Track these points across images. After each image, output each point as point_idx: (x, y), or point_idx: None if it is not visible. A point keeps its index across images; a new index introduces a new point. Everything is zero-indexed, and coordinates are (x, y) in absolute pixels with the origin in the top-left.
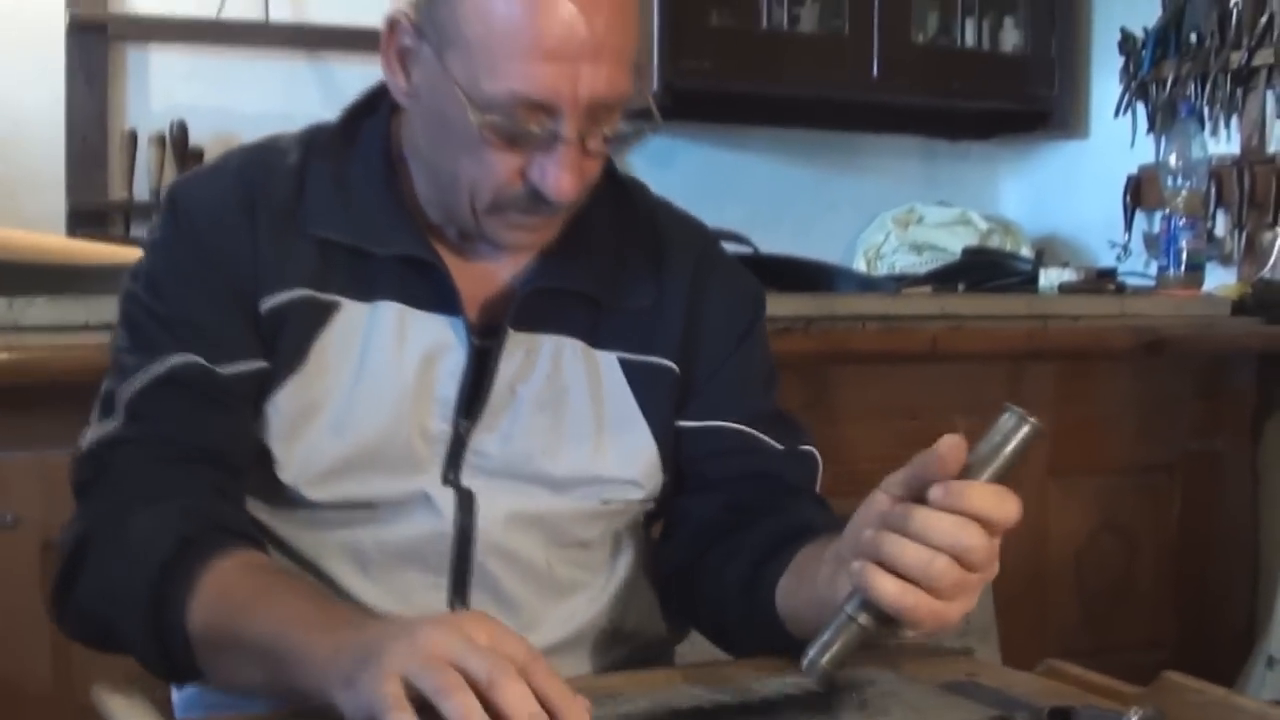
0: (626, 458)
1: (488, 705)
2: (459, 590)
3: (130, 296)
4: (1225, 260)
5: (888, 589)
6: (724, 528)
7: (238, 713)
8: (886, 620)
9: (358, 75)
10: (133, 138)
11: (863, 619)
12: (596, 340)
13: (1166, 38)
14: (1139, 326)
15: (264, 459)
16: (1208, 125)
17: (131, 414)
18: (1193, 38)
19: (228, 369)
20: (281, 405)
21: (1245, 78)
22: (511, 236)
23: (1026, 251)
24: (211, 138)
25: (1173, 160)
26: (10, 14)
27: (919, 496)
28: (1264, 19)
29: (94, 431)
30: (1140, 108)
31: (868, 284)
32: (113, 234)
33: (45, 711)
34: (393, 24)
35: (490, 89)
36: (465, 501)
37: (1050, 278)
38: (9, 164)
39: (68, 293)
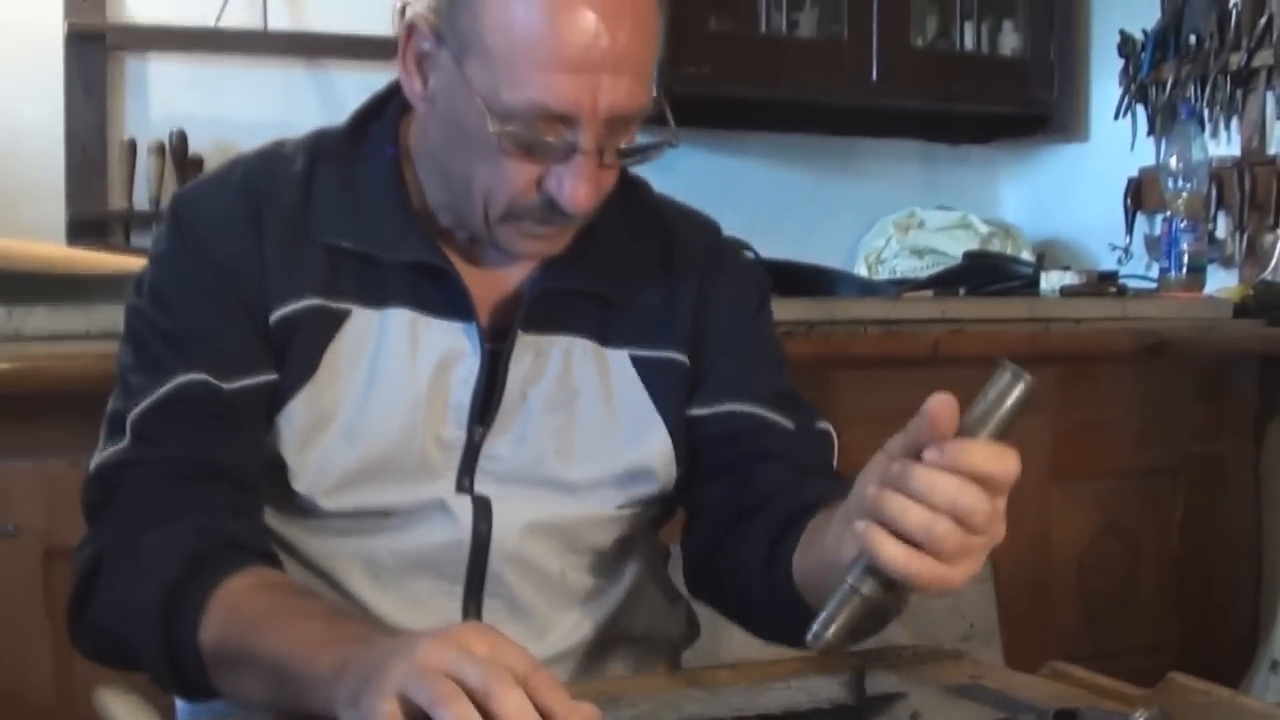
0: (641, 453)
1: (486, 715)
2: (473, 598)
3: (135, 311)
4: (1227, 262)
5: (892, 553)
6: (740, 511)
7: (242, 717)
8: (890, 585)
9: (357, 83)
10: (132, 147)
11: (866, 588)
12: (607, 339)
13: (1166, 40)
14: (1140, 329)
15: (278, 469)
16: (1208, 127)
17: (138, 435)
18: (1192, 39)
19: (235, 384)
20: (294, 415)
21: (1245, 79)
22: (524, 245)
23: (1027, 255)
24: (211, 146)
25: (1173, 162)
26: (9, 25)
27: (918, 458)
28: (1263, 20)
29: (102, 453)
30: (1140, 110)
31: (868, 288)
32: (113, 243)
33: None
34: (411, 27)
35: (510, 99)
36: (481, 509)
37: (1051, 281)
38: (8, 174)
39: (68, 302)
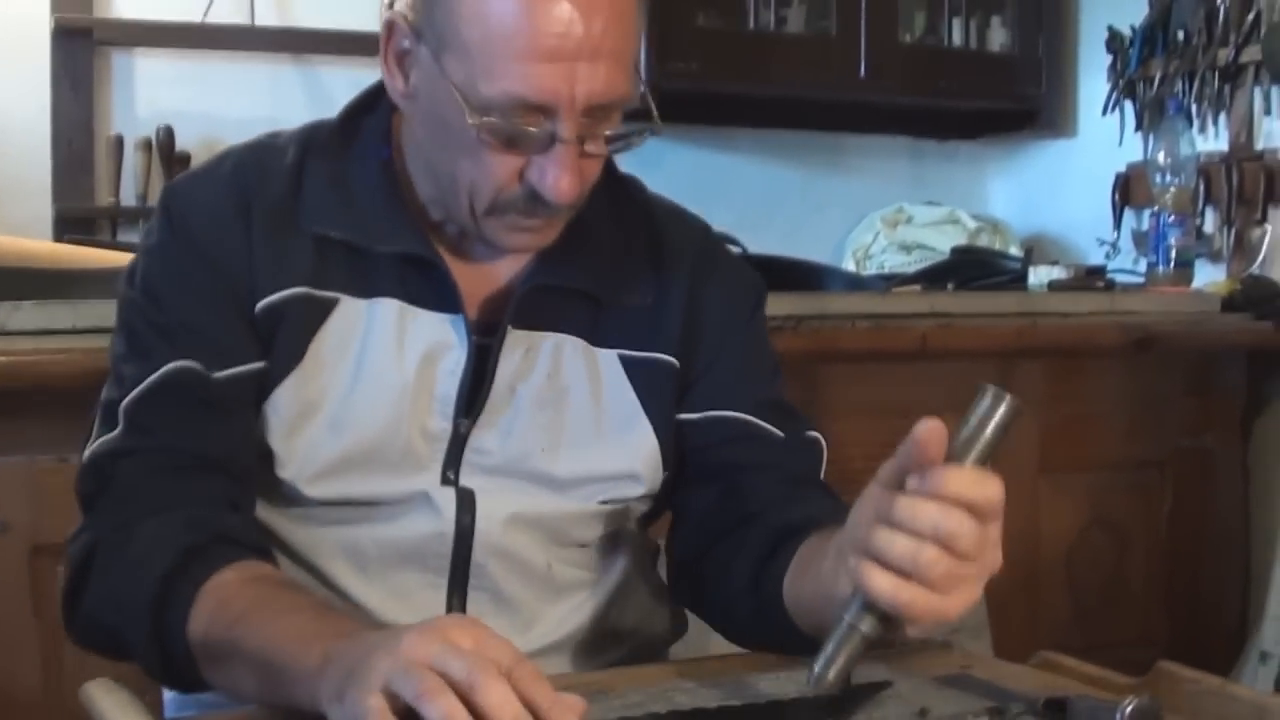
0: (627, 454)
1: (471, 709)
2: (458, 590)
3: (127, 302)
4: (1214, 257)
5: (883, 585)
6: (726, 520)
7: (229, 711)
8: (887, 620)
9: (344, 79)
10: (119, 143)
11: (864, 626)
12: (596, 338)
13: (1154, 36)
14: (1128, 323)
15: (264, 457)
16: (1196, 122)
17: (131, 423)
18: (1180, 35)
19: (225, 372)
20: (280, 403)
21: (1233, 74)
22: (512, 239)
23: (1015, 250)
24: (198, 143)
25: (1161, 158)
26: None
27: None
28: (1251, 16)
29: (95, 442)
30: (1128, 106)
31: (857, 283)
32: (100, 240)
33: (35, 717)
34: (391, 26)
35: (487, 91)
36: (465, 501)
37: (1039, 276)
38: None
39: (55, 297)
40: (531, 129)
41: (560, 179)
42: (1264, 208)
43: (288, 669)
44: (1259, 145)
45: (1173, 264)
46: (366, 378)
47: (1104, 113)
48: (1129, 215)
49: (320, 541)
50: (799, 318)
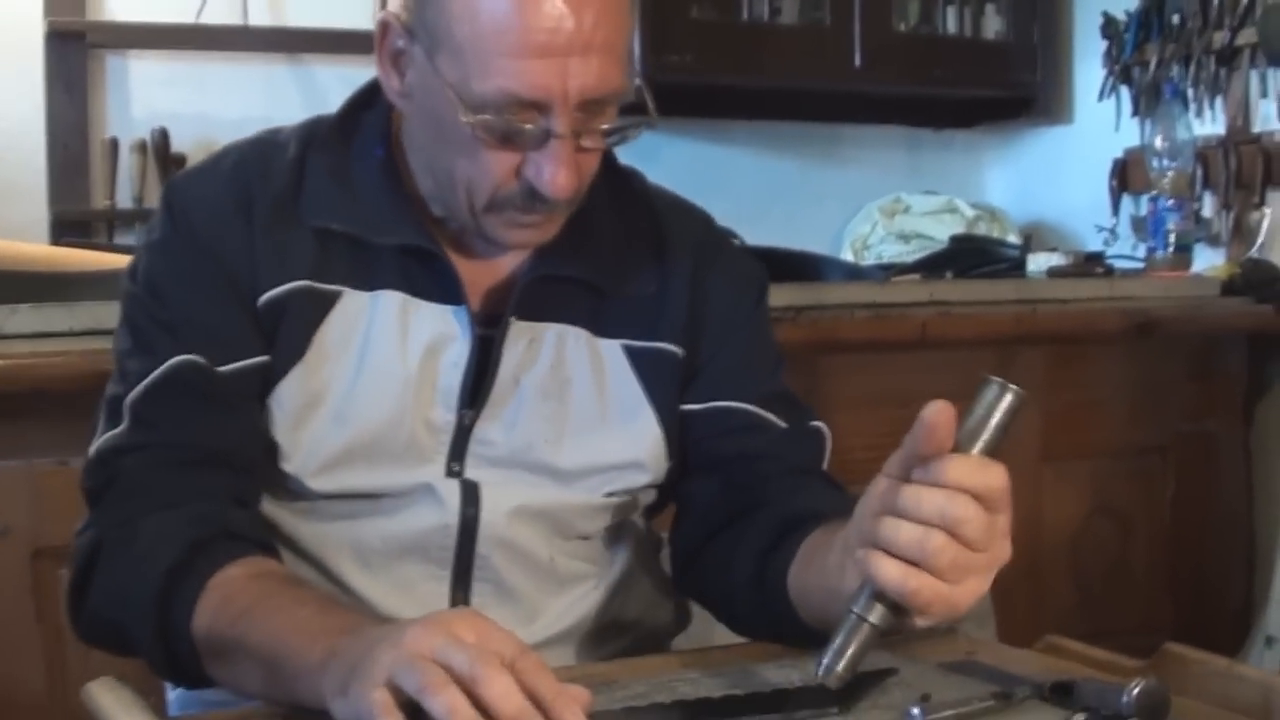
0: (632, 443)
1: (475, 701)
2: (461, 582)
3: (130, 298)
4: (1213, 241)
5: (890, 574)
6: (730, 511)
7: (233, 710)
8: (896, 611)
9: (338, 77)
10: (114, 145)
11: (873, 617)
12: (600, 328)
13: (1149, 20)
14: (1129, 309)
15: (269, 451)
16: (1192, 106)
17: (136, 418)
18: (1175, 19)
19: (229, 367)
20: (284, 396)
21: (1229, 58)
22: (512, 235)
23: (1014, 238)
24: (193, 144)
25: (1158, 142)
26: None
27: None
28: None
29: (101, 438)
30: (1124, 91)
31: (855, 274)
32: (96, 242)
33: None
34: (385, 26)
35: (480, 88)
36: (470, 493)
37: (1038, 263)
38: None
39: (51, 300)
40: (526, 125)
41: (557, 174)
42: (1262, 190)
43: (292, 664)
44: (1256, 128)
45: (1172, 249)
46: (370, 370)
47: (1100, 98)
48: (1127, 201)
49: (325, 535)
50: (798, 308)
